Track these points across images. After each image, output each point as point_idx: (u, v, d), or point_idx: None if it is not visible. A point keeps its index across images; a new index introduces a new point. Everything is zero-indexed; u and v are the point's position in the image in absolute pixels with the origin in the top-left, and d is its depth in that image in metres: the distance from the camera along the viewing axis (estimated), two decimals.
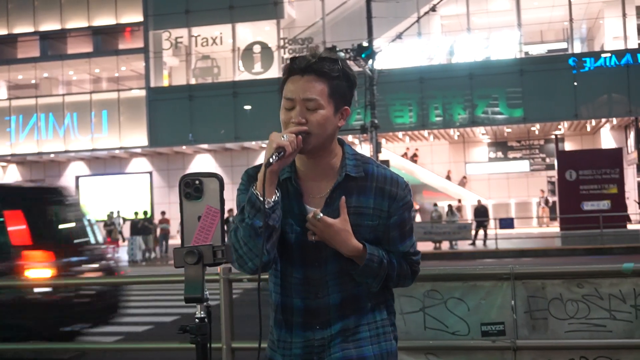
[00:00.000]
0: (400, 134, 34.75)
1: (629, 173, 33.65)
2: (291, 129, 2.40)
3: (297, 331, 2.52)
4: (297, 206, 2.50)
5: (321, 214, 2.42)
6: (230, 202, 33.44)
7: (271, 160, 2.32)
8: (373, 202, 2.50)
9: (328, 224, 2.40)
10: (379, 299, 2.58)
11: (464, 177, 38.10)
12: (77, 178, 40.44)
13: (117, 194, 38.99)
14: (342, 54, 22.38)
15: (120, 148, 37.38)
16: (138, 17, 37.61)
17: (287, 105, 2.48)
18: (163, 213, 26.95)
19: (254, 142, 36.36)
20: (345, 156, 2.55)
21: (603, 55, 32.43)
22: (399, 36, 24.98)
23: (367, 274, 2.46)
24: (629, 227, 24.67)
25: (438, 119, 33.15)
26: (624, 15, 33.56)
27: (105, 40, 39.16)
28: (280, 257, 2.52)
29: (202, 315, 2.18)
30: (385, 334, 2.56)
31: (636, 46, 34.23)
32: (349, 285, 2.50)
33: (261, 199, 2.32)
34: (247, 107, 35.26)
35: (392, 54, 31.85)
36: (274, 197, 2.37)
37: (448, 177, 37.85)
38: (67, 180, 40.42)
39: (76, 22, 38.85)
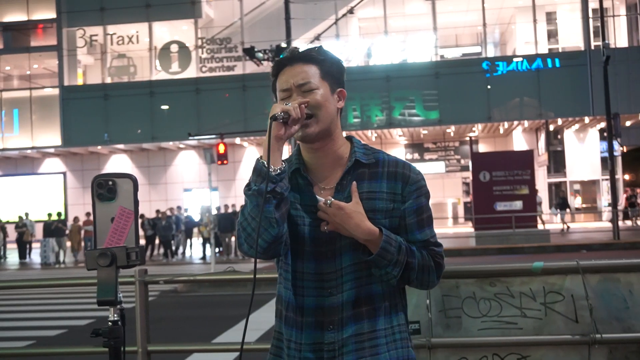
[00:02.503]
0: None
1: (540, 174, 34.64)
2: (293, 102, 2.37)
3: (307, 331, 2.40)
4: (309, 197, 2.44)
5: (332, 199, 2.36)
6: (146, 204, 33.09)
7: (277, 115, 2.30)
8: (386, 186, 2.44)
9: (339, 207, 2.33)
10: (395, 300, 2.48)
11: None
12: None
13: (29, 195, 37.99)
14: (260, 55, 22.36)
15: (33, 148, 36.43)
16: (51, 14, 36.74)
17: (283, 96, 2.45)
18: (88, 214, 26.31)
19: (170, 142, 35.96)
20: (354, 145, 2.52)
21: (515, 59, 33.31)
22: (317, 38, 25.13)
23: (385, 259, 2.35)
24: (539, 227, 25.38)
25: (356, 120, 33.45)
26: (535, 20, 34.56)
27: (16, 37, 38.08)
28: (292, 251, 2.44)
29: (116, 318, 2.14)
30: (403, 340, 2.46)
31: (546, 51, 35.32)
32: (365, 281, 2.40)
33: (265, 166, 2.28)
34: (164, 107, 34.84)
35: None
36: (280, 165, 2.32)
37: None
38: None
39: None
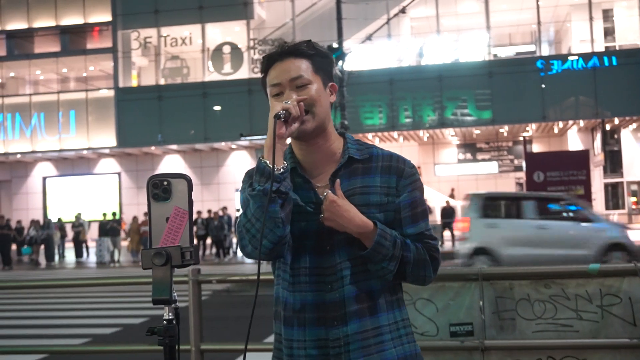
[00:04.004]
0: (370, 136, 34.83)
1: (596, 175, 34.05)
2: (292, 100, 2.36)
3: (310, 328, 2.38)
4: (310, 193, 2.43)
5: (328, 191, 2.35)
6: (199, 204, 33.42)
7: (279, 113, 2.29)
8: (380, 180, 2.43)
9: (333, 200, 2.31)
10: (396, 295, 2.47)
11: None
12: (44, 179, 40.04)
13: (85, 195, 38.68)
14: None
15: (89, 148, 37.07)
16: (106, 17, 37.34)
17: (275, 91, 2.44)
18: (145, 214, 26.64)
19: (223, 143, 36.25)
20: (347, 141, 2.51)
21: (570, 58, 32.78)
22: (369, 38, 25.05)
23: (380, 253, 2.33)
24: None
25: (407, 120, 33.30)
26: (591, 18, 33.96)
27: (73, 40, 38.81)
28: (292, 248, 2.42)
29: (170, 317, 2.16)
30: (408, 335, 2.45)
31: (603, 49, 34.68)
32: (362, 276, 2.38)
33: (270, 166, 2.27)
34: (217, 108, 35.15)
35: (362, 55, 31.97)
36: (282, 164, 2.31)
37: None
38: (34, 180, 40.02)
39: (43, 21, 38.49)
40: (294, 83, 2.40)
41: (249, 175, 2.44)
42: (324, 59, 2.49)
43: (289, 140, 2.42)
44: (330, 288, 2.38)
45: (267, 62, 2.48)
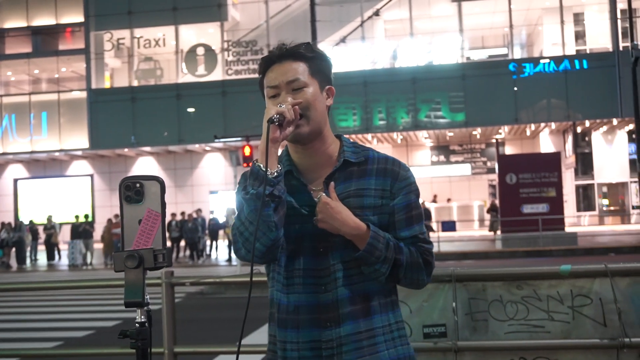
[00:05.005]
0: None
1: (567, 177, 34.38)
2: (286, 103, 2.36)
3: (304, 330, 2.38)
4: (305, 195, 2.44)
5: (322, 194, 2.35)
6: (173, 206, 33.26)
7: (273, 118, 2.29)
8: (374, 183, 2.43)
9: (326, 202, 2.32)
10: (391, 297, 2.47)
11: None
12: (15, 181, 39.64)
13: (57, 197, 38.35)
14: None
15: (61, 150, 36.77)
16: (79, 18, 37.07)
17: (271, 93, 2.44)
18: (117, 216, 26.25)
19: (197, 145, 36.13)
20: (343, 144, 2.51)
21: (542, 61, 33.06)
22: (343, 40, 25.13)
23: (373, 255, 2.33)
24: (567, 229, 25.19)
25: (382, 122, 33.39)
26: (562, 22, 34.29)
27: (44, 41, 38.48)
28: (287, 250, 2.42)
29: (143, 320, 2.15)
30: (402, 338, 2.45)
31: (574, 52, 35.03)
32: (356, 279, 2.38)
33: (264, 169, 2.27)
34: (191, 110, 35.02)
35: (336, 57, 32.02)
36: (276, 168, 2.31)
37: None
38: (5, 183, 39.61)
39: (15, 22, 38.15)
40: (291, 86, 2.40)
41: (245, 177, 2.43)
42: (322, 61, 2.49)
43: (285, 143, 2.43)
44: (324, 290, 2.38)
45: (266, 64, 2.48)
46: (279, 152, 2.41)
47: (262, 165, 2.29)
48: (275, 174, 2.30)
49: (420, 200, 2.58)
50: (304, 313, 2.38)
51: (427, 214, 26.97)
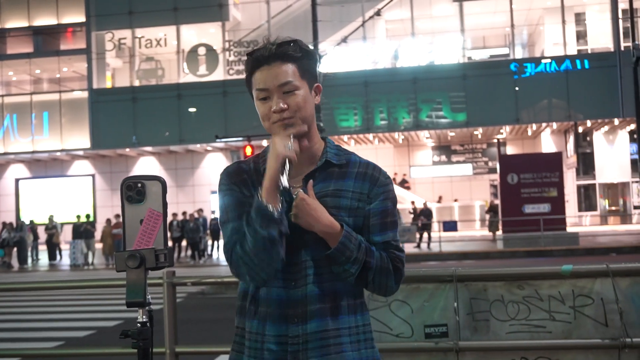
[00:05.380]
0: (345, 138, 34.88)
1: (568, 176, 34.36)
2: (289, 131, 2.37)
3: (270, 323, 2.39)
4: (282, 191, 2.40)
5: (300, 190, 2.37)
6: (174, 206, 33.28)
7: (282, 179, 2.29)
8: (353, 185, 2.44)
9: (302, 198, 2.33)
10: (360, 299, 2.47)
11: (405, 182, 38.30)
12: (17, 181, 39.66)
13: (58, 197, 38.37)
14: None
15: (62, 150, 36.78)
16: (80, 18, 37.08)
17: (261, 95, 2.44)
18: (117, 216, 26.09)
19: (198, 145, 36.13)
20: (327, 146, 2.52)
21: (543, 60, 33.06)
22: (344, 40, 25.09)
23: (344, 255, 2.34)
24: (568, 229, 25.17)
25: (383, 122, 33.39)
26: (564, 22, 34.27)
27: (46, 41, 38.49)
28: None
29: (144, 320, 2.15)
30: (367, 341, 2.46)
31: (575, 52, 35.02)
32: (327, 277, 2.39)
33: (271, 210, 2.26)
34: (192, 110, 35.03)
35: (337, 57, 32.06)
36: (279, 205, 2.31)
37: (393, 180, 38.05)
38: (6, 183, 39.63)
39: (16, 22, 38.16)
40: (282, 89, 2.40)
41: (229, 177, 2.50)
42: (309, 60, 2.49)
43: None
44: (294, 285, 2.38)
45: (253, 64, 2.47)
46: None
47: (270, 206, 2.27)
48: (280, 210, 2.30)
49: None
50: (273, 307, 2.39)
51: (428, 213, 26.97)
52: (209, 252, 27.28)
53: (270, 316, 2.39)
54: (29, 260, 28.02)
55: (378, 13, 25.99)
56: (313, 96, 2.50)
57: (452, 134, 36.59)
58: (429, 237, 26.00)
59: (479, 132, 36.49)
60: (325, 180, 2.45)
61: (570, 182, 35.38)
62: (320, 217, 2.35)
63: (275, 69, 2.42)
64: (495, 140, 35.53)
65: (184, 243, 26.80)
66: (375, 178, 2.48)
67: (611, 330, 3.74)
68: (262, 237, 2.28)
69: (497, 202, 27.56)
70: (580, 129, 35.06)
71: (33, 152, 37.05)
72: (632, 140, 35.15)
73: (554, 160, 24.11)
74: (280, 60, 2.42)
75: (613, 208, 37.57)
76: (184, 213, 27.28)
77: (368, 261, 2.38)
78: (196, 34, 37.53)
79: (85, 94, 36.58)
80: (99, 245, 28.25)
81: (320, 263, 2.40)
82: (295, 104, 2.40)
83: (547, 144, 37.04)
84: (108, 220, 26.85)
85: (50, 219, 28.58)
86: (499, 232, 25.80)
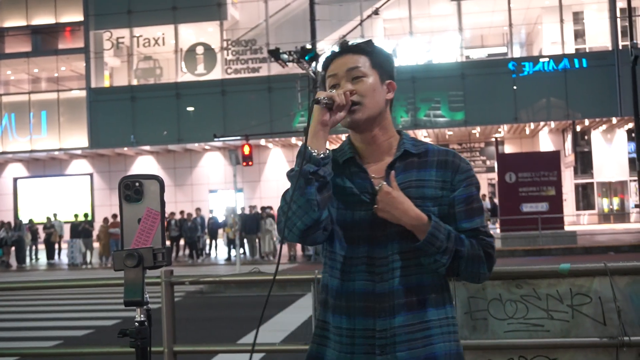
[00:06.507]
0: (344, 137, 34.80)
1: (567, 175, 34.37)
2: (339, 89, 2.40)
3: (358, 318, 2.37)
4: (366, 182, 2.44)
5: (383, 182, 2.37)
6: (172, 205, 33.25)
7: (320, 99, 2.32)
8: (435, 174, 2.44)
9: (387, 192, 2.33)
10: (446, 292, 2.47)
11: None
12: (15, 180, 39.64)
13: (56, 196, 38.33)
14: (285, 56, 22.42)
15: (60, 149, 36.76)
16: (78, 17, 37.06)
17: (332, 82, 2.47)
18: (115, 216, 25.99)
19: (196, 144, 36.12)
20: (403, 137, 2.54)
21: (541, 59, 33.08)
22: (342, 39, 25.09)
23: (434, 245, 2.33)
24: (566, 228, 25.18)
25: None
26: (562, 21, 34.29)
27: (44, 40, 38.48)
28: (344, 237, 2.43)
29: (142, 319, 2.15)
30: (455, 334, 2.45)
31: (573, 51, 35.03)
32: (414, 270, 2.38)
33: (310, 149, 2.30)
34: (190, 109, 35.01)
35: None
36: (324, 150, 2.33)
37: None
38: (5, 182, 39.60)
39: (14, 21, 38.13)
40: (350, 74, 2.44)
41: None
42: (383, 56, 2.54)
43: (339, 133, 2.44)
44: (380, 279, 2.38)
45: (327, 60, 2.53)
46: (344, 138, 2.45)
47: (309, 147, 2.31)
48: (322, 155, 2.32)
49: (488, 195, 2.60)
50: (359, 301, 2.38)
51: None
52: (207, 251, 27.27)
53: (356, 310, 2.38)
54: (27, 259, 27.99)
55: (376, 12, 25.97)
56: (385, 90, 2.51)
57: (450, 132, 36.59)
58: None
59: (477, 131, 36.50)
60: (407, 170, 2.45)
61: (568, 181, 35.41)
62: (407, 210, 2.34)
63: (346, 58, 2.48)
64: (493, 139, 35.51)
65: (182, 242, 26.79)
66: (457, 165, 2.47)
67: (609, 329, 3.74)
68: (296, 172, 2.30)
69: (495, 200, 27.57)
70: (578, 128, 35.08)
71: (31, 151, 37.04)
72: (630, 139, 35.15)
73: (552, 159, 24.08)
74: (351, 52, 2.49)
75: (612, 207, 37.60)
76: (182, 212, 27.27)
77: (459, 250, 2.37)
78: (194, 33, 37.51)
79: (83, 93, 36.56)
80: (97, 245, 28.22)
81: (407, 256, 2.39)
82: (363, 89, 2.42)
83: (545, 142, 37.06)
84: (105, 220, 26.79)
85: (49, 218, 28.56)
86: (497, 231, 25.83)
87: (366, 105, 2.41)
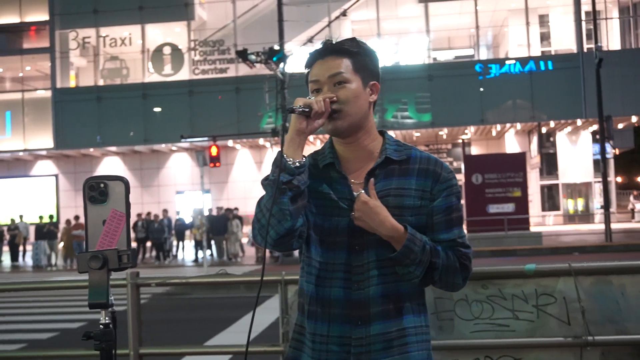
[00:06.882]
0: (311, 138, 34.88)
1: (532, 177, 34.70)
2: (319, 96, 2.36)
3: (335, 324, 2.36)
4: (344, 189, 2.41)
5: (362, 191, 2.33)
6: (139, 206, 33.01)
7: (295, 108, 2.29)
8: (415, 183, 2.40)
9: (365, 201, 2.30)
10: (422, 300, 2.46)
11: None
12: None
13: (21, 198, 37.87)
14: (252, 57, 22.37)
15: (25, 150, 36.33)
16: (44, 16, 36.65)
17: (314, 87, 2.43)
18: (77, 218, 25.64)
19: (163, 145, 35.89)
20: (386, 141, 2.49)
21: (508, 62, 33.37)
22: (310, 40, 25.08)
23: (408, 257, 2.30)
24: (532, 229, 25.41)
25: None
26: (528, 23, 34.64)
27: (9, 39, 37.98)
28: (322, 243, 2.40)
29: (107, 321, 2.13)
30: (428, 342, 2.45)
31: (539, 54, 35.39)
32: (390, 278, 2.35)
33: (285, 157, 2.27)
34: (157, 109, 34.79)
35: (303, 57, 31.99)
36: (300, 159, 2.30)
37: None
38: None
39: None
40: (332, 80, 2.39)
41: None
42: (367, 57, 2.48)
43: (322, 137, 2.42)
44: (357, 287, 2.36)
45: (310, 59, 2.48)
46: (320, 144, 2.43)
47: (286, 155, 2.29)
48: (298, 164, 2.29)
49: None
50: (335, 307, 2.37)
51: None
52: (174, 252, 27.12)
53: (332, 317, 2.37)
54: None
55: (344, 13, 26.05)
56: (368, 93, 2.47)
57: (418, 134, 36.76)
58: None
59: (444, 132, 36.71)
60: (387, 178, 2.41)
61: (534, 182, 35.76)
62: (383, 221, 2.31)
63: (329, 62, 2.42)
64: (460, 141, 35.78)
65: (148, 244, 26.60)
66: (438, 174, 2.43)
67: (574, 329, 3.78)
68: (269, 181, 2.29)
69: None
70: (543, 130, 35.46)
71: None
72: (594, 140, 35.57)
73: (518, 161, 24.29)
74: (335, 54, 2.43)
75: (576, 208, 38.02)
76: (149, 213, 27.07)
77: (434, 262, 2.35)
78: (161, 33, 37.28)
79: (48, 94, 36.16)
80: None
81: (384, 264, 2.36)
82: (344, 96, 2.38)
83: (511, 144, 37.40)
84: (67, 221, 26.41)
85: (13, 220, 28.19)
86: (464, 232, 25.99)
87: (348, 112, 2.38)
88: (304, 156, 2.34)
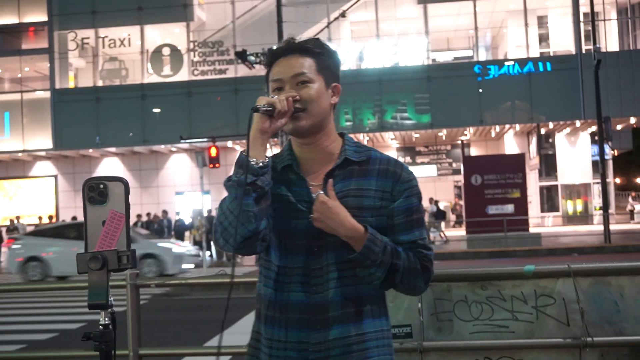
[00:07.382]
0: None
1: (531, 178, 34.72)
2: (281, 95, 2.32)
3: (292, 330, 2.31)
4: (303, 191, 2.38)
5: (321, 192, 2.29)
6: (138, 207, 33.00)
7: (258, 107, 2.26)
8: (375, 184, 2.37)
9: (323, 202, 2.26)
10: (383, 303, 2.41)
11: None
12: None
13: (20, 198, 37.85)
14: (251, 58, 22.36)
15: (24, 151, 36.29)
16: (42, 17, 36.63)
17: (275, 86, 2.39)
18: (74, 219, 25.52)
19: (162, 146, 35.87)
20: (345, 143, 2.46)
21: (506, 63, 33.39)
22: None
23: (369, 258, 2.26)
24: (531, 230, 25.42)
25: (348, 123, 33.44)
26: (526, 24, 34.65)
27: (7, 40, 37.94)
28: (280, 246, 2.36)
29: (106, 322, 2.13)
30: (390, 347, 2.40)
31: (538, 55, 35.40)
32: (350, 281, 2.31)
33: (250, 159, 2.23)
34: (156, 110, 34.78)
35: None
36: (263, 159, 2.26)
37: None
38: None
39: None
40: (295, 80, 2.36)
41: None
42: (330, 58, 2.45)
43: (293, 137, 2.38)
44: (315, 290, 2.32)
45: (272, 57, 2.44)
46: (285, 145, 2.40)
47: (249, 155, 2.25)
48: (261, 164, 2.26)
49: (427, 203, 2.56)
50: (293, 312, 2.32)
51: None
52: None
53: (290, 322, 2.32)
54: None
55: (343, 14, 26.07)
56: (330, 94, 2.44)
57: (417, 135, 36.77)
58: None
59: (443, 133, 36.72)
60: (346, 179, 2.38)
61: (533, 183, 35.77)
62: (343, 221, 2.27)
63: (292, 61, 2.39)
64: (459, 142, 35.75)
65: None
66: (398, 174, 2.41)
67: (573, 330, 3.78)
68: (233, 182, 2.25)
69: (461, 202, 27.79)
70: (542, 131, 35.47)
71: None
72: (593, 141, 35.56)
73: (517, 162, 24.32)
74: (298, 53, 2.39)
75: (575, 209, 38.03)
76: (148, 214, 27.07)
77: (395, 263, 2.31)
78: (160, 34, 37.27)
79: (47, 94, 36.14)
80: None
81: (343, 266, 2.32)
82: (308, 95, 2.35)
83: (510, 145, 37.41)
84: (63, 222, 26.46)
85: (12, 221, 28.19)
86: (463, 233, 26.01)
87: (310, 112, 2.35)
88: (268, 156, 2.31)
